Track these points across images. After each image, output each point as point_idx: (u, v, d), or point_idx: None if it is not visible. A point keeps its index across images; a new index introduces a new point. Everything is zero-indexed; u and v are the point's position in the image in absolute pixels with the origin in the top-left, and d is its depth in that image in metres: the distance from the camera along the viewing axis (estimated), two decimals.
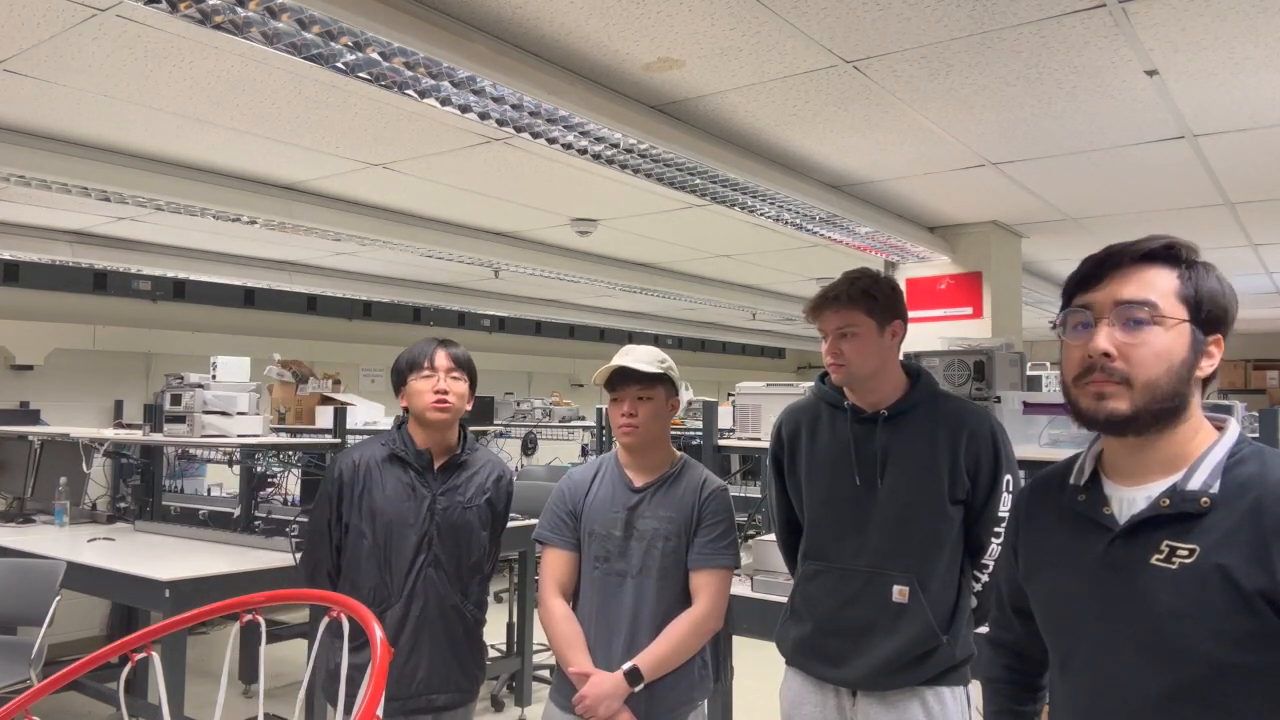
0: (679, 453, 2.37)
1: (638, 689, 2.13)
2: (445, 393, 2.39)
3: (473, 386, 2.50)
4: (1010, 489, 2.06)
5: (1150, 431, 1.21)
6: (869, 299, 2.06)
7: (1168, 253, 1.22)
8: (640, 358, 2.26)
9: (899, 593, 2.00)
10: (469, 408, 2.50)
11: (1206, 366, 1.21)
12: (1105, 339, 1.19)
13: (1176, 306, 1.20)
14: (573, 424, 7.30)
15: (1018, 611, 1.44)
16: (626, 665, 2.14)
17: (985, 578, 2.10)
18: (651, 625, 2.19)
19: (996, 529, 2.05)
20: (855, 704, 2.04)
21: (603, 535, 2.25)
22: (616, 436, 2.32)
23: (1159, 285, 1.21)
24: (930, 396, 2.11)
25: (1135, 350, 1.18)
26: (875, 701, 2.01)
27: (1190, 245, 1.24)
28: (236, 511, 4.45)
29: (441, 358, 2.43)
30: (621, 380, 2.26)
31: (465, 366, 2.47)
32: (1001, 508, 2.05)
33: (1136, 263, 1.22)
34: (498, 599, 6.56)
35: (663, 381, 2.28)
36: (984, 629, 1.70)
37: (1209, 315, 1.21)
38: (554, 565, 2.30)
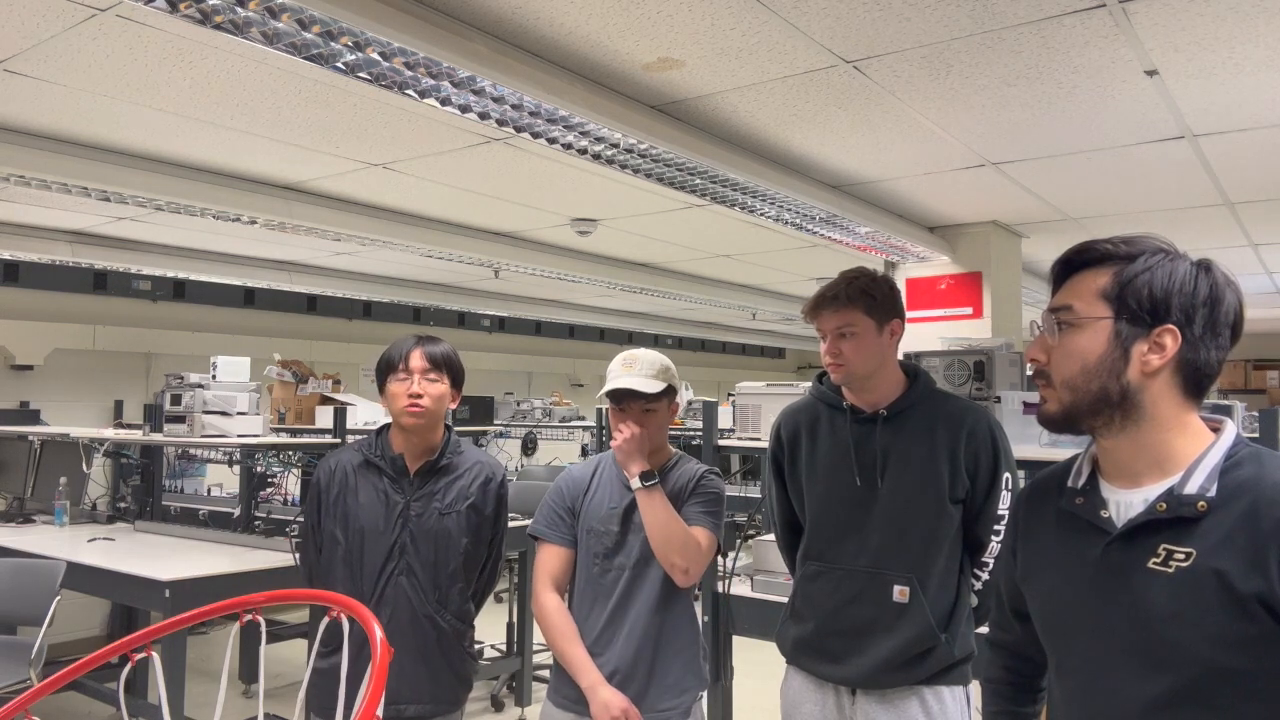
0: (676, 450, 2.37)
1: (650, 484, 2.17)
2: (419, 396, 2.32)
3: (456, 384, 2.43)
4: (1009, 487, 2.07)
5: (1101, 428, 1.22)
6: (868, 298, 2.06)
7: (1100, 255, 1.23)
8: (644, 371, 2.24)
9: (899, 592, 2.01)
10: (453, 406, 2.44)
11: (1155, 359, 1.18)
12: (1036, 347, 1.26)
13: (1095, 306, 1.21)
14: (573, 424, 7.30)
15: (1017, 613, 1.44)
16: (644, 471, 2.18)
17: (985, 576, 2.10)
18: (648, 609, 2.18)
19: (996, 527, 2.06)
20: (855, 703, 2.05)
21: (601, 532, 2.25)
22: None
23: (1083, 288, 1.23)
24: (929, 396, 2.12)
25: (1054, 353, 1.24)
26: (875, 700, 2.02)
27: (1131, 240, 1.22)
28: (236, 511, 4.45)
29: (417, 358, 2.35)
30: (626, 396, 2.24)
31: (443, 365, 2.38)
32: (1001, 506, 2.06)
33: (1076, 270, 1.25)
34: (498, 599, 6.56)
35: (666, 394, 2.28)
36: (984, 629, 1.70)
37: (1143, 306, 1.19)
38: (549, 560, 2.30)
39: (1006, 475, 2.07)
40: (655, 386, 2.23)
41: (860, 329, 2.05)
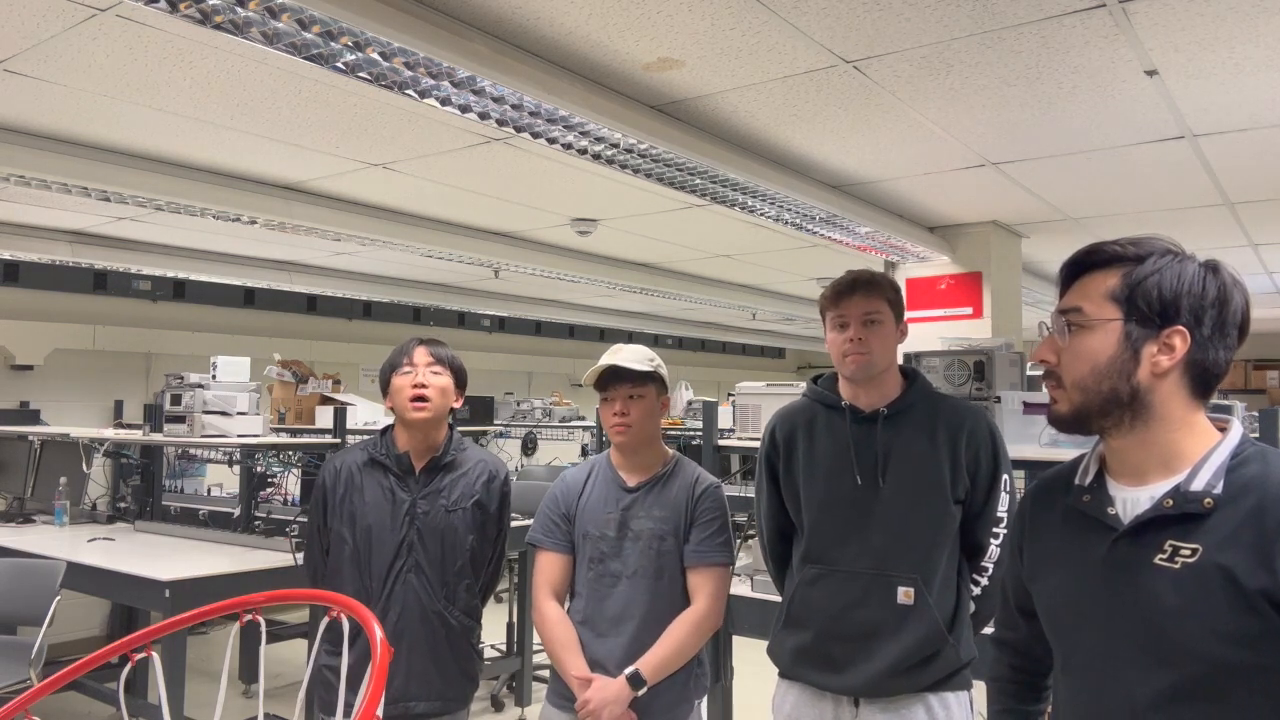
0: (672, 452, 2.37)
1: (641, 693, 2.13)
2: (424, 386, 2.35)
3: (459, 384, 2.46)
4: (1007, 489, 2.05)
5: (1110, 429, 1.23)
6: (893, 290, 2.10)
7: (1109, 257, 1.23)
8: (630, 357, 2.25)
9: (904, 594, 1.98)
10: (456, 404, 2.46)
11: (1165, 360, 1.19)
12: (1045, 348, 1.27)
13: (1105, 307, 1.22)
14: (573, 424, 7.30)
15: (1022, 611, 1.44)
16: (629, 670, 2.13)
17: (985, 580, 2.07)
18: (649, 625, 2.18)
19: (995, 529, 2.04)
20: (858, 714, 2.00)
21: (597, 536, 2.25)
22: (610, 436, 2.32)
23: (1092, 289, 1.24)
24: (926, 396, 2.11)
25: (1064, 355, 1.25)
26: (879, 710, 1.98)
27: (1139, 241, 1.23)
28: (236, 511, 4.45)
29: (420, 354, 2.40)
30: (613, 380, 2.25)
31: (446, 362, 2.43)
32: (1000, 508, 2.04)
33: (1085, 272, 1.26)
34: (498, 599, 6.56)
35: (653, 380, 2.28)
36: (988, 629, 1.69)
37: (1151, 308, 1.19)
38: (547, 568, 2.30)
39: (1005, 477, 2.06)
40: (642, 366, 2.24)
41: (884, 319, 2.06)
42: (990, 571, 2.07)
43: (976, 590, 2.08)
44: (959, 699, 2.01)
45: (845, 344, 2.05)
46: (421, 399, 2.35)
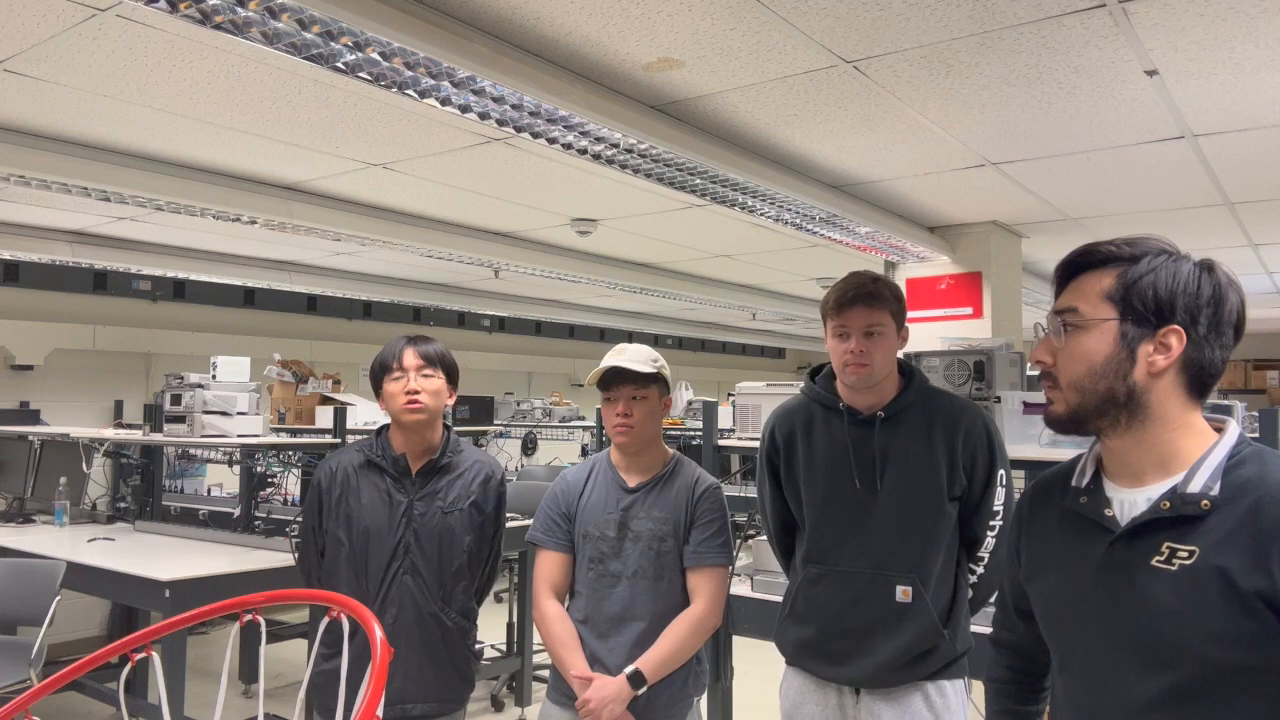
0: (672, 452, 2.37)
1: (640, 692, 2.13)
2: (416, 393, 2.34)
3: (452, 381, 2.44)
4: (1004, 484, 2.08)
5: (1107, 429, 1.23)
6: (896, 301, 2.08)
7: (1104, 257, 1.23)
8: (634, 357, 2.25)
9: (902, 593, 2.02)
10: (450, 403, 2.45)
11: (1161, 360, 1.19)
12: (1042, 348, 1.27)
13: (1100, 307, 1.22)
14: (573, 424, 7.30)
15: (1020, 612, 1.45)
16: (629, 669, 2.14)
17: (980, 569, 2.12)
18: (649, 625, 2.19)
19: (991, 522, 2.07)
20: (858, 702, 2.06)
21: (597, 536, 2.25)
22: (611, 436, 2.32)
23: (1087, 289, 1.24)
24: (923, 395, 2.12)
25: (1060, 355, 1.25)
26: (879, 698, 2.03)
27: (1134, 241, 1.23)
28: (236, 511, 4.45)
29: (410, 356, 2.37)
30: (616, 380, 2.25)
31: (438, 362, 2.40)
32: (996, 502, 2.07)
33: (1080, 272, 1.26)
34: (497, 599, 6.56)
35: (656, 381, 2.28)
36: (987, 629, 1.70)
37: (1147, 307, 1.19)
38: (547, 567, 2.30)
39: (1001, 472, 2.08)
40: (646, 368, 2.24)
41: (887, 330, 2.05)
42: (986, 561, 2.11)
43: (973, 578, 2.13)
44: (955, 686, 2.07)
45: (846, 354, 2.05)
46: (415, 405, 2.34)
